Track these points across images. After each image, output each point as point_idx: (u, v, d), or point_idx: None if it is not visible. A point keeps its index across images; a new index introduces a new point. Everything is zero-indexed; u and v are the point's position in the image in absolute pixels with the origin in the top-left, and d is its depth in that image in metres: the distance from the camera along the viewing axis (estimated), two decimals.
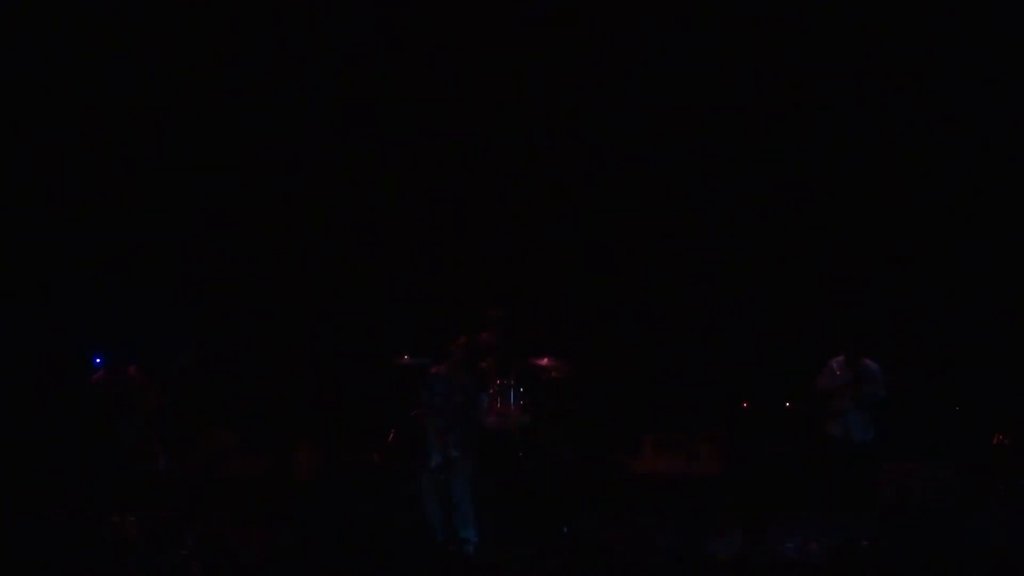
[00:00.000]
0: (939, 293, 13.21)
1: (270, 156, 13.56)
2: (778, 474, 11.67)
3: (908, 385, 10.43)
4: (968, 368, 12.67)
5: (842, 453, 10.15)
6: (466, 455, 10.20)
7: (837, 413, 10.25)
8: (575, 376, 11.94)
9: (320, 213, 13.65)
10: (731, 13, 13.30)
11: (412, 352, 11.84)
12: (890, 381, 10.37)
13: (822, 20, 13.20)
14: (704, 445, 13.21)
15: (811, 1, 13.19)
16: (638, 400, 13.26)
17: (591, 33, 13.40)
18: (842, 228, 13.48)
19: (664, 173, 13.62)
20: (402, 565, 7.33)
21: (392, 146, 13.62)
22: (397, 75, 13.46)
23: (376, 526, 9.59)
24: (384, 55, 13.46)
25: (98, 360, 11.57)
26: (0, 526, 7.74)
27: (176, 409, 10.59)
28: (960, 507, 10.92)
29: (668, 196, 13.64)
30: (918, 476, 11.35)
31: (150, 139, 13.43)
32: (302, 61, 13.41)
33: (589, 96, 13.56)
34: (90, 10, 13.08)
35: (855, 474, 10.08)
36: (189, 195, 13.53)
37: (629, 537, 9.89)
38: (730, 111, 13.47)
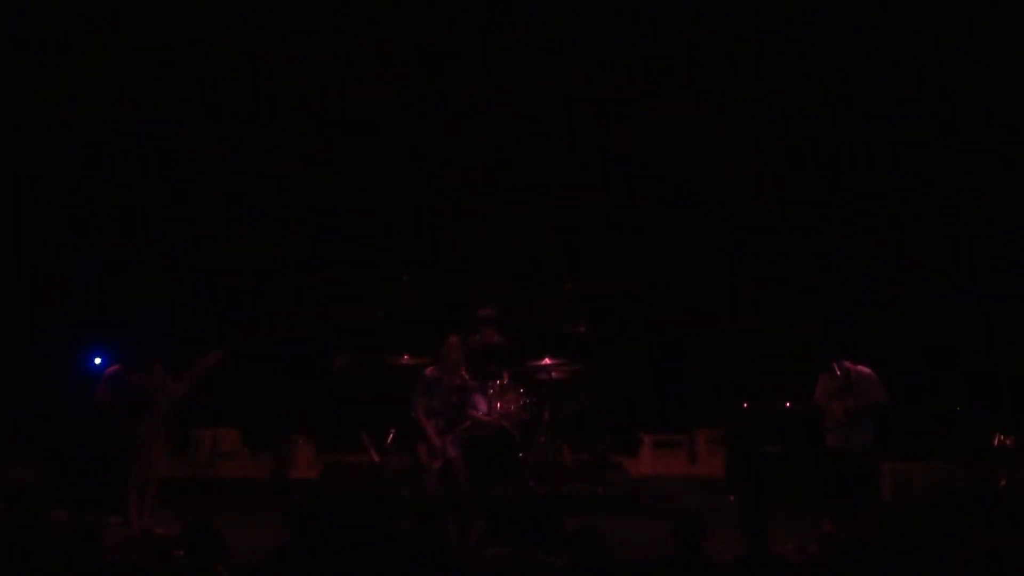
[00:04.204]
0: (939, 293, 13.21)
1: (270, 155, 13.56)
2: (778, 474, 11.65)
3: (904, 420, 10.35)
4: (968, 368, 12.66)
5: (838, 464, 10.08)
6: (465, 455, 10.20)
7: (831, 424, 10.18)
8: (575, 376, 11.94)
9: (320, 213, 13.65)
10: (729, 13, 13.33)
11: (412, 352, 11.85)
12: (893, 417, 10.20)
13: (821, 21, 13.22)
14: (704, 445, 13.22)
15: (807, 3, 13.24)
16: (638, 400, 13.26)
17: (588, 31, 13.42)
18: (843, 227, 13.48)
19: (664, 173, 13.62)
20: (401, 565, 7.32)
21: (392, 146, 13.62)
22: (394, 72, 13.47)
23: (376, 526, 9.57)
24: (382, 52, 13.47)
25: (98, 360, 11.57)
26: (0, 526, 7.73)
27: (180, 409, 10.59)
28: (961, 508, 10.92)
29: (669, 196, 13.64)
30: (918, 476, 11.36)
31: (152, 137, 13.45)
32: (297, 59, 13.42)
33: (588, 94, 13.57)
34: (89, 13, 13.10)
35: (853, 483, 10.02)
36: (188, 195, 13.54)
37: (629, 537, 9.88)
38: (731, 112, 13.48)
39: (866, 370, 10.15)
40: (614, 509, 10.91)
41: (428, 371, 10.45)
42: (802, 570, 7.96)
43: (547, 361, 11.75)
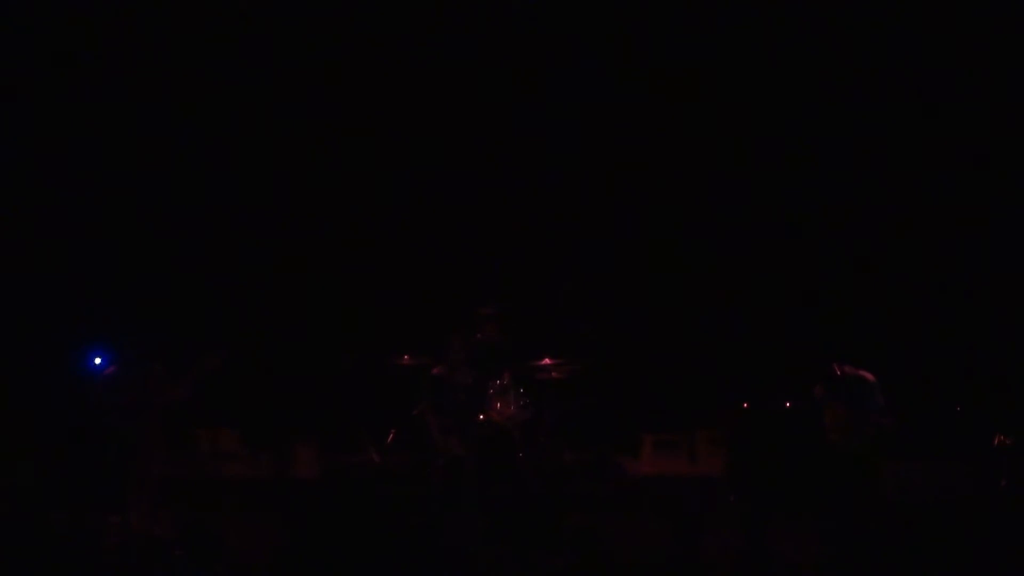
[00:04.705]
0: (939, 293, 13.21)
1: (271, 154, 13.57)
2: (778, 474, 11.65)
3: (899, 429, 10.38)
4: (968, 369, 12.66)
5: (838, 464, 10.09)
6: (469, 455, 10.21)
7: (832, 424, 10.19)
8: (575, 376, 11.94)
9: (320, 212, 13.66)
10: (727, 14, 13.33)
11: (412, 352, 11.85)
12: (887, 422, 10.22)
13: (819, 20, 13.21)
14: (704, 445, 13.21)
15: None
16: (638, 400, 13.26)
17: (586, 31, 13.43)
18: (842, 227, 13.48)
19: (664, 172, 13.62)
20: (402, 565, 7.33)
21: (391, 145, 13.62)
22: (395, 71, 13.48)
23: (376, 526, 9.58)
24: (382, 51, 13.48)
25: (98, 360, 11.57)
26: (0, 526, 7.73)
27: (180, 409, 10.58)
28: (961, 507, 10.91)
29: (668, 195, 13.65)
30: (919, 476, 11.34)
31: (152, 137, 13.46)
32: (298, 57, 13.43)
33: (587, 94, 13.57)
34: (86, 11, 13.11)
35: (853, 483, 10.03)
36: (188, 194, 13.54)
37: (629, 537, 9.89)
38: (731, 112, 13.48)
39: (868, 375, 10.16)
40: (614, 509, 10.91)
41: (435, 370, 10.46)
42: (802, 570, 7.96)
43: (547, 361, 11.75)
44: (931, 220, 13.37)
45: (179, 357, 10.15)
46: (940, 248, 13.31)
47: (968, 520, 10.23)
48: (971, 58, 13.03)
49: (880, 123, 13.37)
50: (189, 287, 13.41)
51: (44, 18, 13.14)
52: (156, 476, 10.22)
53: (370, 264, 13.52)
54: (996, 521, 10.42)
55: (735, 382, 12.45)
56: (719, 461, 12.52)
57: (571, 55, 13.48)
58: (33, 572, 6.92)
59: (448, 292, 12.97)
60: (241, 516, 10.43)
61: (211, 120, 13.45)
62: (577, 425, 12.25)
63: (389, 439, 11.97)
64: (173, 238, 13.54)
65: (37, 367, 12.81)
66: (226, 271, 13.55)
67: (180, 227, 13.56)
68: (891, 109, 13.34)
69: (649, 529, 10.10)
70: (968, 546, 7.89)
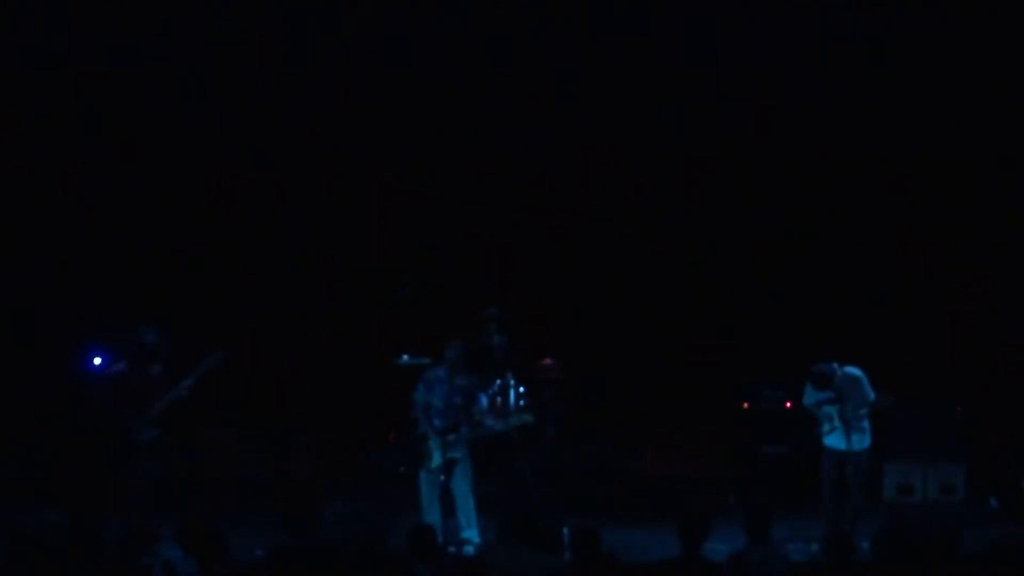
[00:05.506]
0: (938, 293, 13.21)
1: (270, 155, 13.57)
2: (778, 474, 11.66)
3: (897, 406, 10.39)
4: (968, 369, 12.66)
5: (838, 464, 10.10)
6: (467, 456, 10.20)
7: (829, 427, 10.20)
8: (575, 376, 11.96)
9: (320, 212, 13.67)
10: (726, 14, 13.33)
11: (412, 352, 11.85)
12: (882, 400, 10.23)
13: (816, 24, 13.22)
14: (704, 445, 13.22)
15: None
16: (638, 400, 13.26)
17: (585, 32, 13.42)
18: (842, 227, 13.48)
19: (664, 172, 13.62)
20: (401, 565, 7.32)
21: (392, 145, 13.63)
22: (395, 71, 13.48)
23: (376, 527, 9.59)
24: (383, 52, 13.48)
25: (98, 360, 11.57)
26: None
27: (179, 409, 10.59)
28: (961, 508, 10.92)
29: (668, 195, 13.65)
30: (919, 477, 11.35)
31: (153, 134, 13.47)
32: (298, 57, 13.43)
33: (588, 95, 13.57)
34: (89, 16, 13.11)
35: (853, 483, 10.05)
36: (188, 194, 13.55)
37: (629, 538, 9.89)
38: (730, 113, 13.48)
39: (855, 371, 10.17)
40: (615, 509, 10.92)
41: (434, 371, 10.46)
42: (802, 570, 7.96)
43: (547, 361, 11.77)
44: (930, 219, 13.38)
45: (179, 357, 10.15)
46: (939, 248, 13.31)
47: (968, 521, 10.23)
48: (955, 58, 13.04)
49: (874, 120, 13.37)
50: (188, 288, 13.41)
51: (45, 18, 13.15)
52: (156, 476, 10.22)
53: (371, 265, 13.53)
54: (995, 521, 10.43)
55: (735, 382, 12.46)
56: (719, 461, 12.53)
57: (572, 58, 13.49)
58: (33, 572, 6.91)
59: (449, 293, 12.98)
60: (241, 516, 10.43)
61: (212, 120, 13.45)
62: (577, 425, 12.26)
63: (389, 439, 11.98)
64: (173, 238, 13.54)
65: (37, 367, 12.81)
66: (226, 271, 13.55)
67: (180, 227, 13.56)
68: (884, 107, 13.34)
69: (649, 529, 10.11)
70: (968, 547, 7.88)
